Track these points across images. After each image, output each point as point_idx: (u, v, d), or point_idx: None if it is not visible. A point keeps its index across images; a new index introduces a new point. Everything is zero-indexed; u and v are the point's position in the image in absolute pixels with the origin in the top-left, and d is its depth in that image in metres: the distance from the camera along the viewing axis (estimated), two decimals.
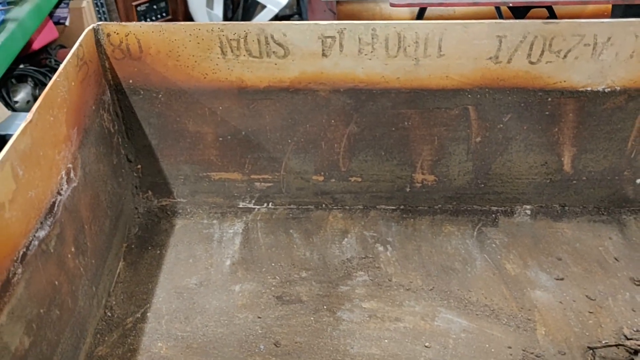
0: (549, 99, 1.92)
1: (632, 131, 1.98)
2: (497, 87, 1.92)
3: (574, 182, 2.11)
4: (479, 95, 1.92)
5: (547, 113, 1.95)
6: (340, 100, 1.95)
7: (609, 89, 1.92)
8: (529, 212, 2.19)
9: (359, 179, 2.13)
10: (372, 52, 1.86)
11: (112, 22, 1.87)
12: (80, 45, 1.75)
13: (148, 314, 1.84)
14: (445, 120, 1.98)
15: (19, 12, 2.99)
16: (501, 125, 1.98)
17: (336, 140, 2.04)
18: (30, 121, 1.40)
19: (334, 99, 1.94)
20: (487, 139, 2.01)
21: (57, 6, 3.62)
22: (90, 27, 1.84)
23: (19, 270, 1.31)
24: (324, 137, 2.03)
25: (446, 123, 1.99)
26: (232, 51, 1.87)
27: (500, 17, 3.38)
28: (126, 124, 2.05)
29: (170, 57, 1.89)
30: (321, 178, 2.13)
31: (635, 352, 1.65)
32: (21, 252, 1.33)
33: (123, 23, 1.88)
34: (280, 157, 2.07)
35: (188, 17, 4.66)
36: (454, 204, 2.18)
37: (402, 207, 2.20)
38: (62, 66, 1.62)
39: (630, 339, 1.71)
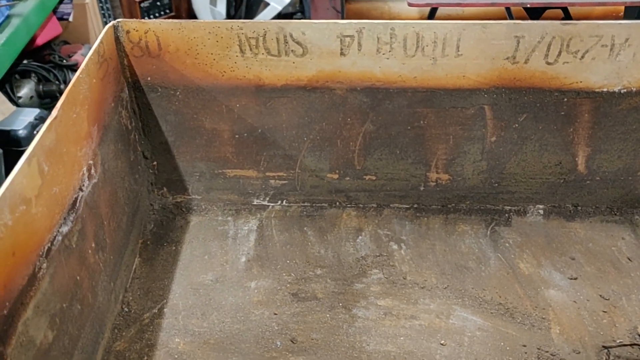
0: (565, 100, 1.93)
1: None
2: (513, 87, 1.93)
3: (588, 182, 2.12)
4: (495, 95, 1.93)
5: (562, 113, 1.96)
6: (357, 98, 1.96)
7: (625, 90, 1.93)
8: (541, 211, 2.21)
9: (374, 178, 2.14)
10: (390, 51, 1.87)
11: (131, 19, 1.88)
12: (101, 42, 1.76)
13: (165, 310, 1.86)
14: (460, 119, 1.99)
15: (23, 7, 3.00)
16: (516, 125, 1.99)
17: (352, 139, 2.05)
18: (55, 117, 1.42)
19: (350, 98, 1.95)
20: (502, 138, 2.02)
21: (60, 2, 3.63)
22: (110, 24, 1.85)
23: (44, 265, 1.33)
24: (340, 135, 2.04)
25: (462, 122, 2.00)
26: (250, 49, 1.88)
27: (511, 18, 3.40)
28: (143, 121, 2.06)
29: (188, 55, 1.90)
30: (336, 176, 2.14)
31: None
32: (46, 247, 1.35)
33: (142, 20, 1.89)
34: (295, 155, 2.09)
35: (191, 14, 4.67)
36: (467, 203, 2.19)
37: (415, 205, 2.21)
38: (84, 63, 1.63)
39: None
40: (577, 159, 2.06)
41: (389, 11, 4.49)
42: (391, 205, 2.21)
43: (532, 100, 1.94)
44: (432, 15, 3.44)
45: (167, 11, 4.54)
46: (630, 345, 1.71)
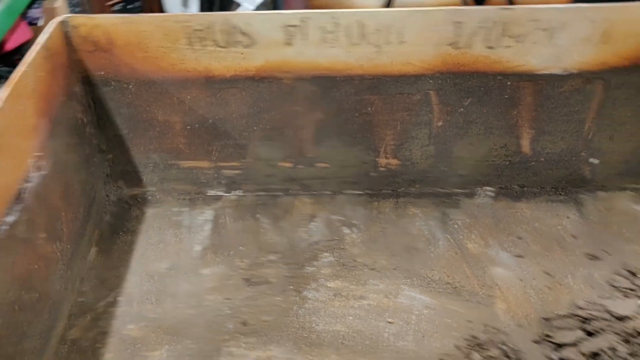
0: (508, 83, 1.99)
1: (588, 113, 2.06)
2: (457, 72, 1.99)
3: (533, 163, 2.18)
4: (440, 81, 1.99)
5: (506, 96, 2.02)
6: (305, 87, 2.00)
7: (566, 73, 1.99)
8: (489, 193, 2.27)
9: (326, 165, 2.19)
10: (334, 40, 1.91)
11: (79, 15, 1.91)
12: (49, 36, 1.79)
13: (120, 298, 1.89)
14: (407, 105, 2.04)
15: None
16: (462, 109, 2.05)
17: (302, 127, 2.09)
18: None
19: (298, 87, 2.00)
20: (449, 122, 2.08)
21: (30, 6, 3.62)
22: (58, 19, 1.88)
23: None
24: (290, 124, 2.08)
25: (408, 108, 2.05)
26: (199, 42, 1.92)
27: (465, 4, 3.47)
28: (98, 115, 2.08)
29: (139, 49, 1.94)
30: (289, 165, 2.18)
31: (585, 320, 1.73)
32: None
33: (91, 15, 1.91)
34: (247, 145, 2.13)
35: None
36: (417, 186, 2.25)
37: (367, 191, 2.26)
38: (27, 56, 1.65)
39: (583, 309, 1.79)
40: (521, 141, 2.13)
41: (351, 6, 4.53)
42: (344, 191, 2.26)
43: (477, 85, 2.00)
44: (388, 4, 3.49)
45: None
46: (569, 316, 1.77)
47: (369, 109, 2.05)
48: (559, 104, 2.05)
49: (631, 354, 1.58)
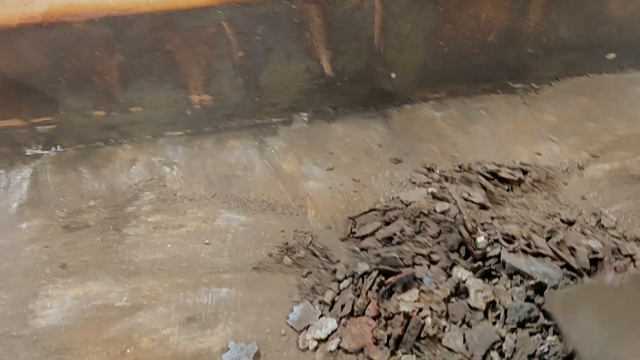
0: (294, 7, 2.09)
1: (374, 29, 2.20)
2: (244, 0, 2.05)
3: (339, 84, 2.31)
4: (229, 11, 2.05)
5: (296, 20, 2.12)
6: (99, 30, 2.01)
7: None
8: (305, 118, 2.38)
9: (140, 109, 2.21)
10: None
11: None
12: None
13: None
14: (205, 38, 2.10)
15: None
16: (258, 37, 2.13)
17: (106, 73, 2.10)
18: None
19: (91, 31, 2.00)
20: (249, 52, 2.16)
21: None
22: None
23: None
24: (94, 71, 2.08)
25: (207, 41, 2.10)
26: None
27: None
28: None
29: None
30: (102, 113, 2.19)
31: (384, 213, 1.88)
32: None
33: None
34: (56, 97, 2.11)
35: None
36: (236, 120, 2.32)
37: (188, 131, 2.31)
38: None
39: (382, 204, 1.94)
40: (322, 62, 2.24)
41: None
42: (165, 134, 2.30)
43: (265, 11, 2.08)
44: None
45: None
46: (370, 211, 1.92)
47: (169, 46, 2.09)
48: (346, 23, 2.17)
49: (416, 232, 1.74)
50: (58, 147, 2.25)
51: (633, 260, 1.62)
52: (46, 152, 2.25)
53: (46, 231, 1.95)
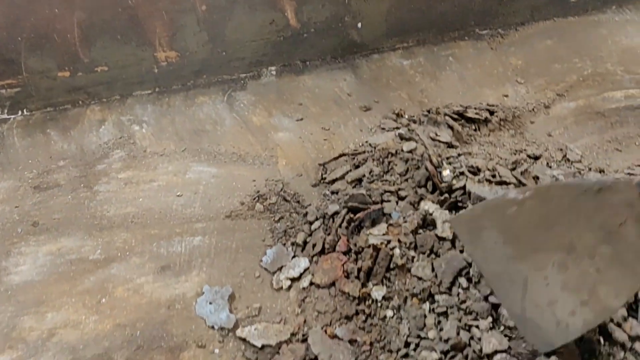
0: None
1: None
2: None
3: (305, 35, 2.31)
4: None
5: None
6: None
7: None
8: (274, 72, 2.38)
9: (105, 68, 2.19)
10: None
11: None
12: None
13: None
14: None
15: None
16: None
17: (68, 31, 2.08)
18: None
19: None
20: (212, 5, 2.14)
21: None
22: None
23: None
24: (54, 29, 2.06)
25: None
26: None
27: None
28: None
29: None
30: (67, 74, 2.17)
31: (353, 157, 1.89)
32: None
33: None
34: (17, 58, 2.09)
35: None
36: (204, 77, 2.31)
37: (157, 89, 2.30)
38: None
39: (351, 149, 1.96)
40: (286, 14, 2.23)
41: None
42: (133, 93, 2.29)
43: None
44: None
45: None
46: (340, 156, 1.93)
47: (130, 2, 2.07)
48: None
49: (384, 172, 1.76)
50: (24, 110, 2.23)
51: None
52: (12, 116, 2.23)
53: (16, 192, 1.94)
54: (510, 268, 1.22)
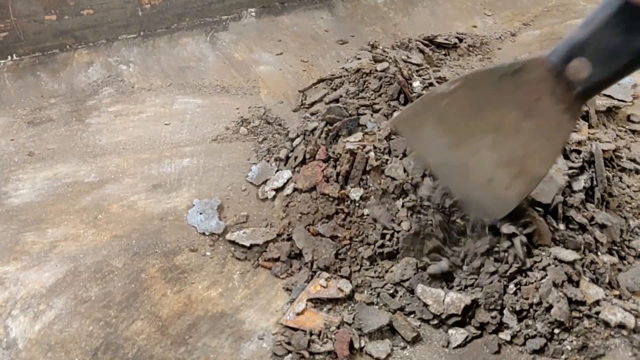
0: None
1: None
2: None
3: None
4: None
5: None
6: None
7: None
8: (253, 13, 2.48)
9: (91, 11, 2.28)
10: None
11: None
12: None
13: None
14: None
15: None
16: None
17: None
18: None
19: None
20: None
21: None
22: None
23: None
24: None
25: None
26: None
27: None
28: None
29: None
30: (54, 17, 2.25)
31: (330, 82, 2.00)
32: None
33: None
34: (4, 2, 2.16)
35: None
36: (187, 20, 2.40)
37: (141, 33, 2.39)
38: None
39: (329, 74, 2.06)
40: None
41: None
42: (119, 37, 2.37)
43: None
44: None
45: None
46: (318, 82, 2.04)
47: None
48: None
49: (359, 90, 1.87)
50: (14, 55, 2.30)
51: None
52: (2, 61, 2.31)
53: (10, 127, 2.04)
54: (451, 156, 1.33)
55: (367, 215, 1.55)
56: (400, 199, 1.54)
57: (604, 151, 1.57)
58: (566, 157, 1.57)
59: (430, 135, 1.35)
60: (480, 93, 1.28)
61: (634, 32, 1.07)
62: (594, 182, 1.49)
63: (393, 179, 1.57)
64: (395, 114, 1.64)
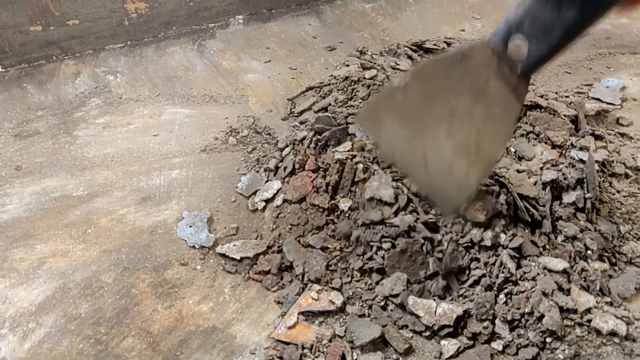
0: None
1: None
2: None
3: None
4: None
5: None
6: None
7: None
8: (241, 21, 2.47)
9: (77, 22, 2.26)
10: None
11: None
12: None
13: None
14: None
15: None
16: None
17: None
18: None
19: None
20: None
21: None
22: None
23: None
24: None
25: None
26: None
27: None
28: None
29: None
30: (39, 28, 2.23)
31: (320, 90, 2.00)
32: None
33: None
34: None
35: None
36: (174, 29, 2.39)
37: (128, 42, 2.37)
38: None
39: (317, 82, 2.06)
40: None
41: None
42: (106, 47, 2.36)
43: None
44: None
45: None
46: (307, 90, 2.03)
47: None
48: None
49: (348, 99, 1.87)
50: (0, 67, 2.28)
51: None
52: None
53: None
54: (410, 147, 1.34)
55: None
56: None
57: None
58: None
59: (391, 129, 1.36)
60: (432, 83, 1.28)
61: (565, 6, 1.06)
62: (585, 191, 1.48)
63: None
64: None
